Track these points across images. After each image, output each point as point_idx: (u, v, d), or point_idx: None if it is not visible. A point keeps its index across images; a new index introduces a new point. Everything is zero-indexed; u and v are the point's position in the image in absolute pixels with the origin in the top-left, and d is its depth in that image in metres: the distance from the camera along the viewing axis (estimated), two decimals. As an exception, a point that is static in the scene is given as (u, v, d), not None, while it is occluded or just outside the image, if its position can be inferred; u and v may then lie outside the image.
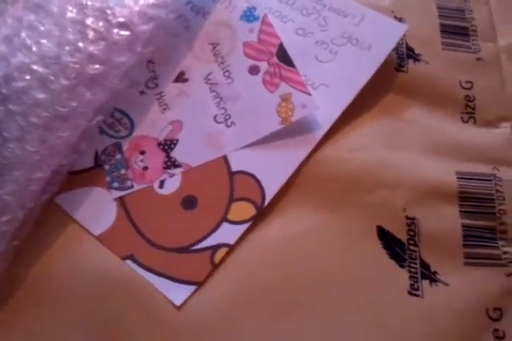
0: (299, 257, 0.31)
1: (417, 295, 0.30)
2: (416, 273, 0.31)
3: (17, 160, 0.30)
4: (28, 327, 0.30)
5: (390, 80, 0.35)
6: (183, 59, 0.35)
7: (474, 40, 0.38)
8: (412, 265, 0.31)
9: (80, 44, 0.31)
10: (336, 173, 0.33)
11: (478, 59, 0.37)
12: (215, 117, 0.34)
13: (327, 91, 0.34)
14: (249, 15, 0.35)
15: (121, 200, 0.32)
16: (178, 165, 0.33)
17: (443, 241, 0.32)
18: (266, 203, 0.32)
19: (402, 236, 0.32)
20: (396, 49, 0.36)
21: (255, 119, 0.33)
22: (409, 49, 0.36)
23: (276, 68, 0.34)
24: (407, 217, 0.32)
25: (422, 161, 0.33)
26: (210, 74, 0.34)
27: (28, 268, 0.30)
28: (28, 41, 0.31)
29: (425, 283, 0.31)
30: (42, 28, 0.32)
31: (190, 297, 0.30)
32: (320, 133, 0.33)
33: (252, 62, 0.34)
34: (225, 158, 0.33)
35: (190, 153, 0.33)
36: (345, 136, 0.34)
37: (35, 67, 0.31)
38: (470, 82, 0.36)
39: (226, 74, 0.34)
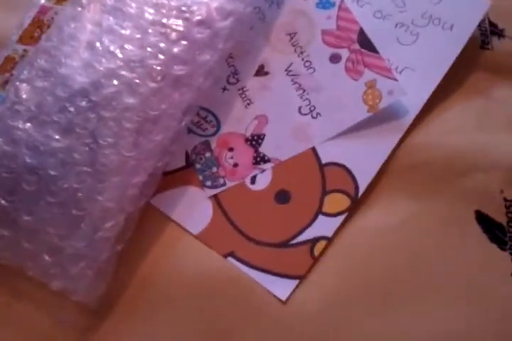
0: (399, 247, 0.31)
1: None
2: (519, 255, 0.31)
3: (114, 166, 0.30)
4: (137, 327, 0.30)
5: (476, 59, 0.35)
6: (262, 51, 0.35)
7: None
8: (515, 248, 0.31)
9: (162, 45, 0.31)
10: (428, 159, 0.32)
11: None
12: (299, 109, 0.33)
13: (412, 74, 0.33)
14: (325, 2, 0.34)
15: (215, 198, 0.32)
16: (268, 160, 0.33)
17: (544, 221, 0.31)
18: (360, 194, 0.32)
19: (502, 219, 0.31)
20: (479, 26, 0.35)
21: (341, 109, 0.33)
22: (493, 25, 0.35)
23: (358, 55, 0.33)
24: (505, 199, 0.31)
25: (514, 141, 0.33)
26: (290, 65, 0.34)
27: (132, 271, 0.31)
28: (111, 46, 0.31)
29: None
30: (123, 32, 0.32)
31: (294, 291, 0.30)
32: (409, 119, 0.33)
33: (332, 50, 0.34)
34: (313, 150, 0.33)
35: (278, 147, 0.33)
36: (435, 120, 0.33)
37: (121, 72, 0.31)
38: (558, 55, 0.35)
39: (307, 64, 0.34)
